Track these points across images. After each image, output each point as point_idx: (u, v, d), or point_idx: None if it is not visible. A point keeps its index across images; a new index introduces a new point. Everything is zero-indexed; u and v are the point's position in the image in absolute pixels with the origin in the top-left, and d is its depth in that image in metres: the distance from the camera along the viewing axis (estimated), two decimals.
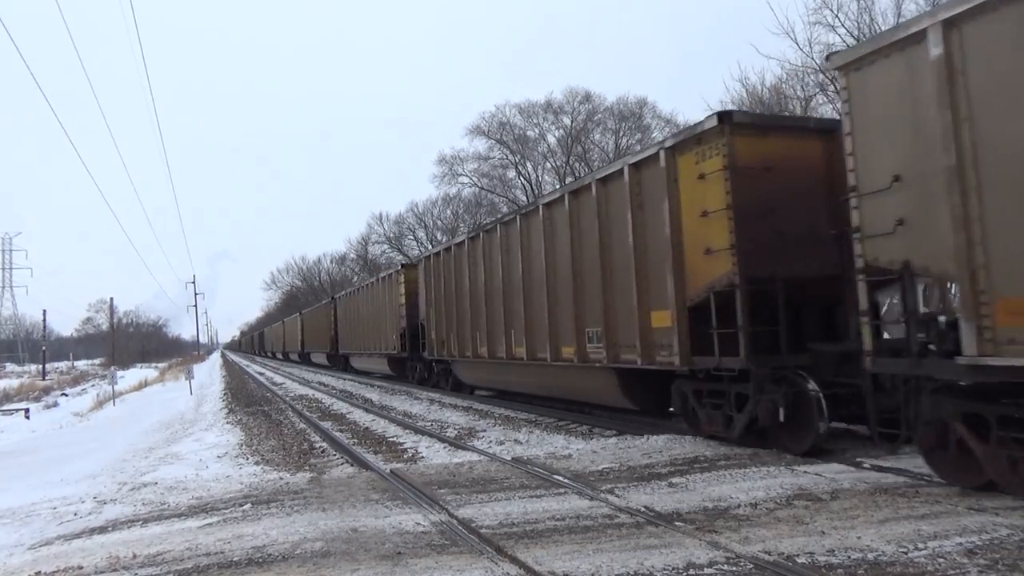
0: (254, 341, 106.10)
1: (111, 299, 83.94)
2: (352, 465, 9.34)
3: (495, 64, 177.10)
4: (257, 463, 9.95)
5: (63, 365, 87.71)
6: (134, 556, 5.40)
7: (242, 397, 23.45)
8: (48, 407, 33.21)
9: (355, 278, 63.28)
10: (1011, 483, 5.72)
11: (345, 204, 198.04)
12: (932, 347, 6.11)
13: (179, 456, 10.97)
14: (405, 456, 9.87)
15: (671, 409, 10.17)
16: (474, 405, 15.97)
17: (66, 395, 40.50)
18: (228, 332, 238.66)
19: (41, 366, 69.63)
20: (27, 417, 27.22)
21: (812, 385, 7.90)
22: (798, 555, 4.58)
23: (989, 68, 5.47)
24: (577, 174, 44.92)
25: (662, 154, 9.28)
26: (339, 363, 36.73)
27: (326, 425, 14.02)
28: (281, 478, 8.43)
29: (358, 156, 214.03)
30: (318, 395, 22.54)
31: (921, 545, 4.65)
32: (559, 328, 12.26)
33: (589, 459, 8.30)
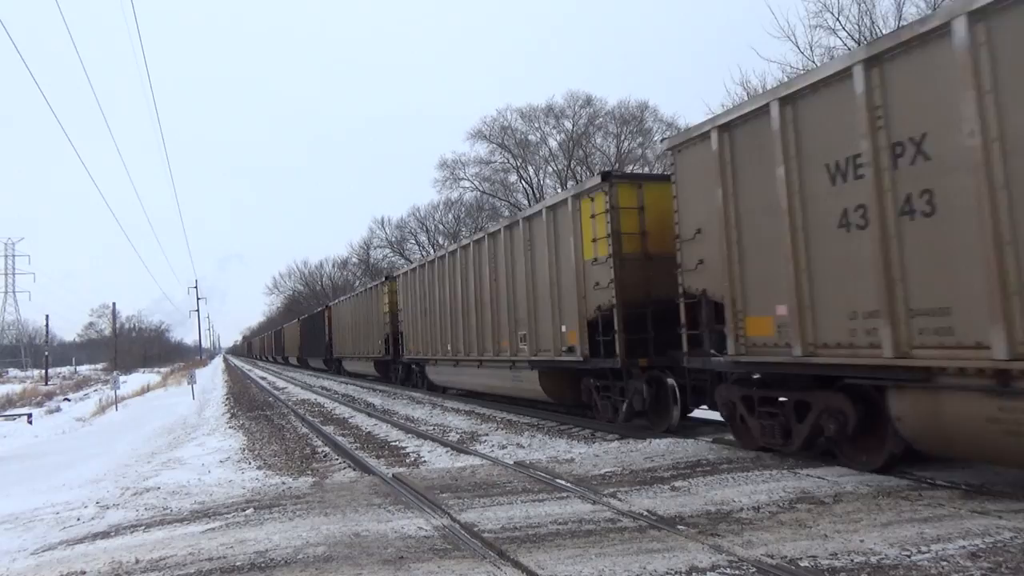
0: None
1: (113, 304, 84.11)
2: (354, 469, 9.34)
3: (496, 69, 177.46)
4: (259, 468, 9.96)
5: (66, 370, 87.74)
6: (137, 561, 5.40)
7: (244, 402, 23.47)
8: (51, 412, 33.23)
9: (356, 282, 62.89)
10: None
11: (347, 209, 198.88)
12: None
13: (182, 461, 10.97)
14: (407, 460, 9.87)
15: None
16: (476, 409, 15.97)
17: (69, 400, 40.53)
18: (230, 337, 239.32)
19: (44, 371, 69.72)
20: (30, 422, 27.24)
21: None
22: (801, 559, 4.58)
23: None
24: (579, 178, 44.92)
25: None
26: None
27: (328, 430, 14.02)
28: (283, 483, 8.43)
29: (360, 161, 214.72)
30: (320, 399, 22.54)
31: (924, 548, 4.64)
32: None
33: (591, 463, 8.29)
